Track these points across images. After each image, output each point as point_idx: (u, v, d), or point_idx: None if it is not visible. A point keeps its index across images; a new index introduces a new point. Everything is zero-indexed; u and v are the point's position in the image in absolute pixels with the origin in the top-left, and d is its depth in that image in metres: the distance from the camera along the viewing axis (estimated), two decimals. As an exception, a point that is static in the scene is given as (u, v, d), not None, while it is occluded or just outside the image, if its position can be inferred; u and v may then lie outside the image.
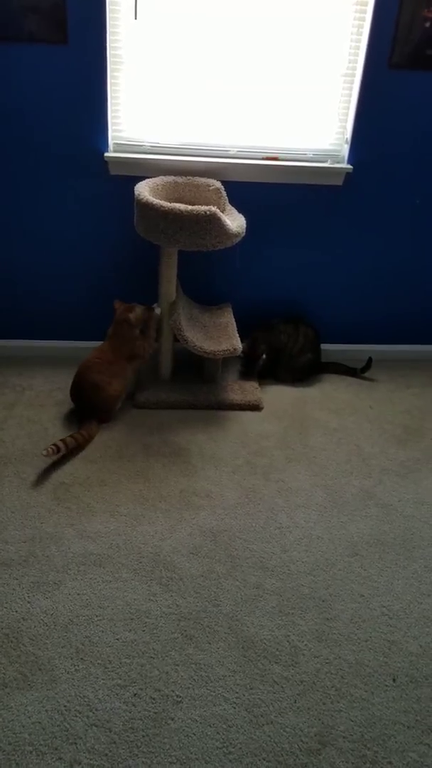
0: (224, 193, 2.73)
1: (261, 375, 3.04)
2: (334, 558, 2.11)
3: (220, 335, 2.86)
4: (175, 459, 2.51)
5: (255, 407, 2.86)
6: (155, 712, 1.61)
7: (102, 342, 2.72)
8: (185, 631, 1.82)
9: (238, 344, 2.78)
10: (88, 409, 2.64)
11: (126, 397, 2.77)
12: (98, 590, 1.92)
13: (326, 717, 1.64)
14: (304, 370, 3.11)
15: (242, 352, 2.89)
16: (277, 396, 2.99)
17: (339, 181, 2.87)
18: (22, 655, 1.72)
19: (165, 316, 2.73)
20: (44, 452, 2.34)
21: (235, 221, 2.61)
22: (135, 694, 1.65)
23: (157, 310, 2.71)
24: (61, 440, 2.42)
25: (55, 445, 2.37)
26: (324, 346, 3.22)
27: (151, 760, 1.51)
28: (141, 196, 2.47)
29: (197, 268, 2.99)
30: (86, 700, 1.63)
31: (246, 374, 3.03)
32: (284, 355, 3.03)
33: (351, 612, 1.93)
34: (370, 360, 3.18)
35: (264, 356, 2.96)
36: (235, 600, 1.93)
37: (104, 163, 2.71)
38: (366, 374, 3.20)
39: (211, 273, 3.06)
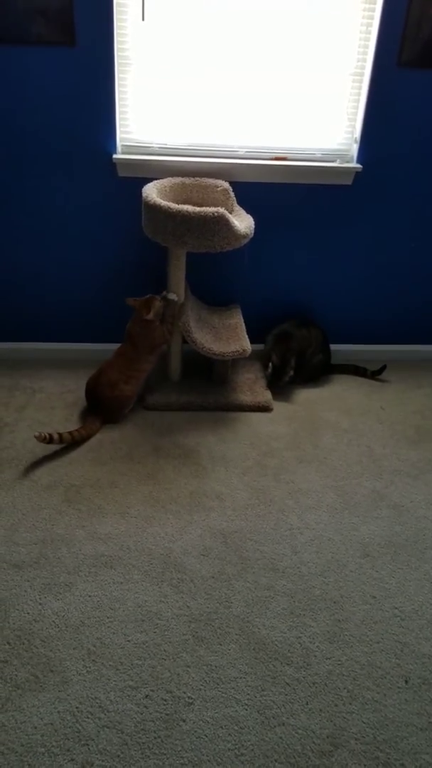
0: (232, 194, 2.73)
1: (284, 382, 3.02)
2: (345, 559, 2.11)
3: (229, 336, 2.85)
4: (185, 460, 2.51)
5: (265, 408, 2.86)
6: (167, 714, 1.61)
7: (120, 344, 2.72)
8: (196, 632, 1.82)
9: (247, 345, 2.78)
10: (99, 406, 2.66)
11: (136, 399, 2.78)
12: (109, 592, 1.93)
13: (338, 719, 1.63)
14: (316, 371, 3.11)
15: (272, 363, 2.91)
16: (287, 397, 2.98)
17: (348, 181, 2.86)
18: (34, 657, 1.73)
19: (179, 300, 2.72)
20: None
21: (243, 222, 2.61)
22: (146, 696, 1.65)
23: (172, 296, 2.69)
24: (58, 433, 2.47)
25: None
26: (334, 347, 3.21)
27: (163, 762, 1.51)
28: (149, 198, 2.47)
29: (206, 269, 2.99)
30: (98, 701, 1.63)
31: (275, 385, 2.98)
32: (301, 358, 3.02)
33: (363, 613, 1.92)
34: (384, 366, 3.17)
35: (292, 373, 2.94)
36: (246, 601, 1.93)
37: (112, 164, 2.72)
38: (377, 377, 3.19)
39: (219, 274, 3.06)
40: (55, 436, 2.45)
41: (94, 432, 2.62)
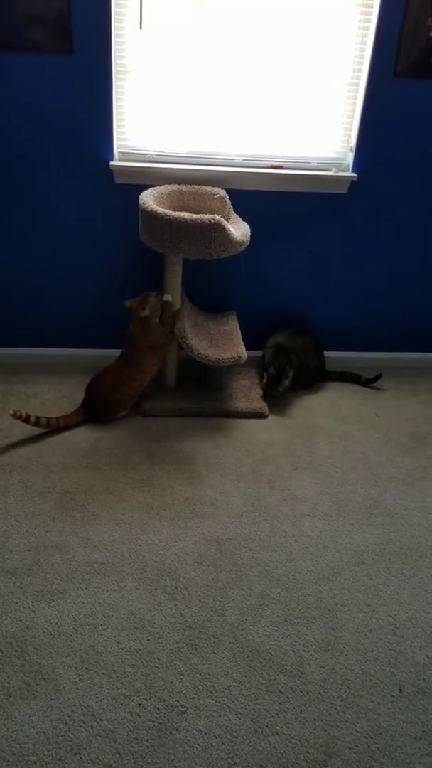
0: (229, 202, 2.74)
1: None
2: (339, 567, 2.10)
3: (225, 343, 2.86)
4: (180, 467, 2.50)
5: (260, 415, 2.86)
6: (160, 723, 1.60)
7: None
8: (190, 640, 1.81)
9: (242, 352, 2.78)
10: (93, 402, 2.70)
11: (133, 406, 2.79)
12: (103, 599, 1.92)
13: (332, 728, 1.62)
14: (311, 377, 3.11)
15: (268, 374, 2.90)
16: (283, 404, 2.98)
17: (344, 189, 2.88)
18: (27, 665, 1.71)
19: (174, 304, 2.72)
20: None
21: (239, 229, 2.62)
22: (139, 704, 1.64)
23: (167, 297, 2.69)
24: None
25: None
26: (329, 354, 3.21)
27: (156, 772, 1.50)
28: (146, 205, 2.48)
29: (202, 276, 3.00)
30: (90, 710, 1.62)
31: (270, 395, 2.96)
32: (300, 370, 3.02)
33: (357, 622, 1.91)
34: (379, 375, 3.17)
35: (288, 383, 2.91)
36: (241, 609, 1.92)
37: (109, 171, 2.73)
38: (372, 385, 3.19)
39: (215, 281, 3.07)
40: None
41: (73, 423, 2.66)
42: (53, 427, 2.61)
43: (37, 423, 2.54)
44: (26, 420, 2.50)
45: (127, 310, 2.66)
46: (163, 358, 2.77)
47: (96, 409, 2.70)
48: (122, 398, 2.68)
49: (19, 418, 2.47)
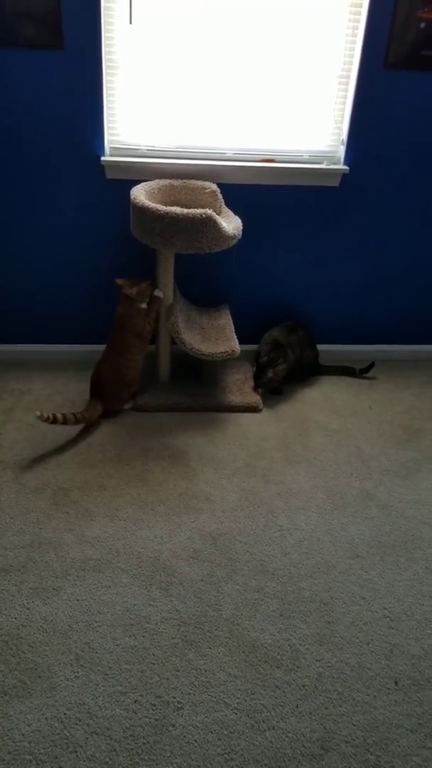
0: (220, 196, 2.73)
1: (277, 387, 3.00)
2: (334, 560, 2.10)
3: (218, 337, 2.85)
4: (174, 462, 2.50)
5: (254, 409, 2.86)
6: (156, 719, 1.60)
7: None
8: (186, 636, 1.81)
9: (236, 346, 2.77)
10: (102, 393, 2.69)
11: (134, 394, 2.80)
12: (98, 596, 1.91)
13: (328, 721, 1.62)
14: (307, 370, 3.11)
15: (258, 363, 2.89)
16: (276, 397, 2.98)
17: (335, 182, 2.87)
18: (22, 663, 1.71)
19: (166, 300, 2.72)
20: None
21: (231, 223, 2.61)
22: (135, 701, 1.64)
23: (158, 293, 2.69)
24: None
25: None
26: (322, 347, 3.21)
27: None
28: (137, 200, 2.47)
29: (194, 270, 2.99)
30: (86, 707, 1.61)
31: (256, 384, 2.96)
32: (297, 365, 3.02)
33: (352, 615, 1.91)
34: (372, 363, 3.17)
35: (271, 375, 2.89)
36: (236, 604, 1.92)
37: (100, 166, 2.71)
38: (366, 375, 3.20)
39: (208, 275, 3.06)
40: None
41: (95, 416, 2.65)
42: (81, 422, 2.58)
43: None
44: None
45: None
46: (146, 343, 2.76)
47: (106, 399, 2.69)
48: (125, 381, 2.69)
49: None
